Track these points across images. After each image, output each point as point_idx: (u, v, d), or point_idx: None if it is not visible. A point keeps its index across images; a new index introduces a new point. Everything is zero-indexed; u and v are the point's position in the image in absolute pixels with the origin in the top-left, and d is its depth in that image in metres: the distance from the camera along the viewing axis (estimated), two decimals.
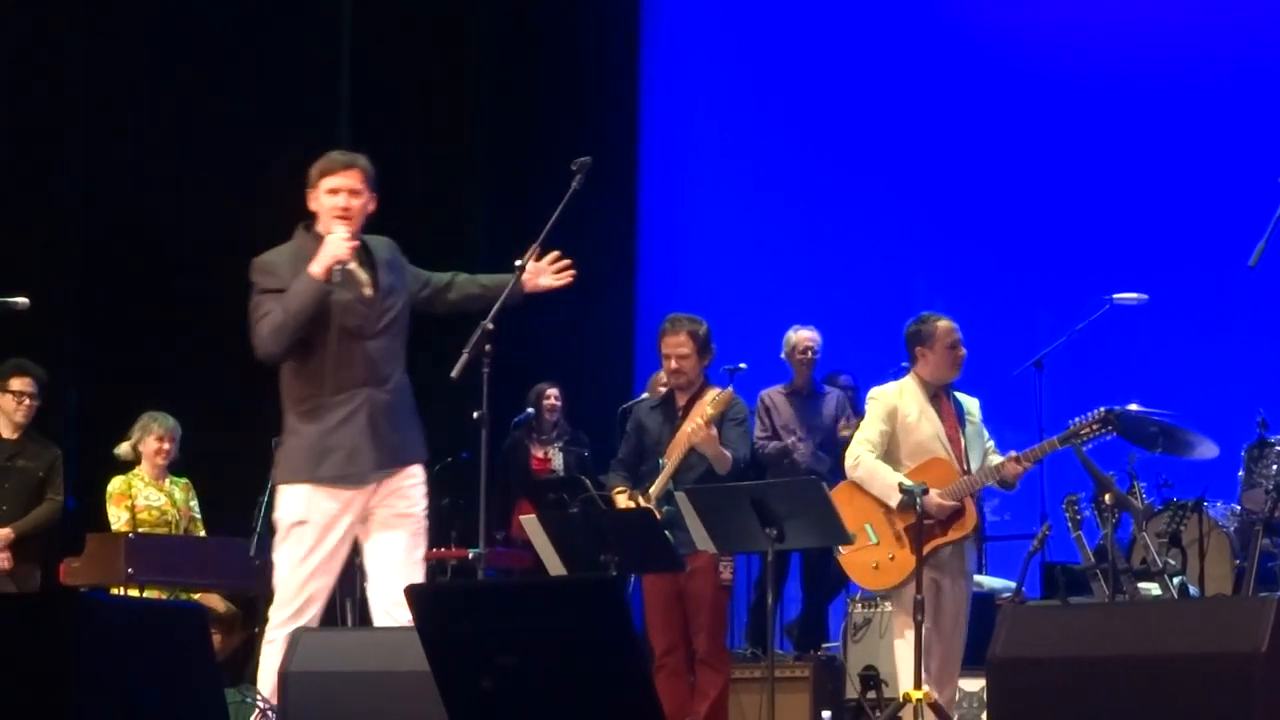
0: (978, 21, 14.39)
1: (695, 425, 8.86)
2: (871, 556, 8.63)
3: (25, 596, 9.12)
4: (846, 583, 11.68)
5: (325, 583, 7.36)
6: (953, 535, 8.56)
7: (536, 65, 14.83)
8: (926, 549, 8.45)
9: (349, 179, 7.41)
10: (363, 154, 7.56)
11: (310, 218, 7.46)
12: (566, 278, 7.69)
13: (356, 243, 7.31)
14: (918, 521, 8.38)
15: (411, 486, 7.42)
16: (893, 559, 8.56)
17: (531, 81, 14.77)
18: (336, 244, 7.23)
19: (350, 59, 13.77)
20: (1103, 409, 8.62)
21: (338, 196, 7.38)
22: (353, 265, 7.33)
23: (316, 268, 7.22)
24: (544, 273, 7.69)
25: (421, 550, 7.48)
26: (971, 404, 8.84)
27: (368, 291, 7.37)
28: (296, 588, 7.28)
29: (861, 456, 8.65)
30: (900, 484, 8.45)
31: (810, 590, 11.79)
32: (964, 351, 8.75)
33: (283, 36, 13.59)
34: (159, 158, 13.01)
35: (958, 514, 8.54)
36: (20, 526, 10.62)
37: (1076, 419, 8.63)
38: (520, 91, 14.70)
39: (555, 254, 7.65)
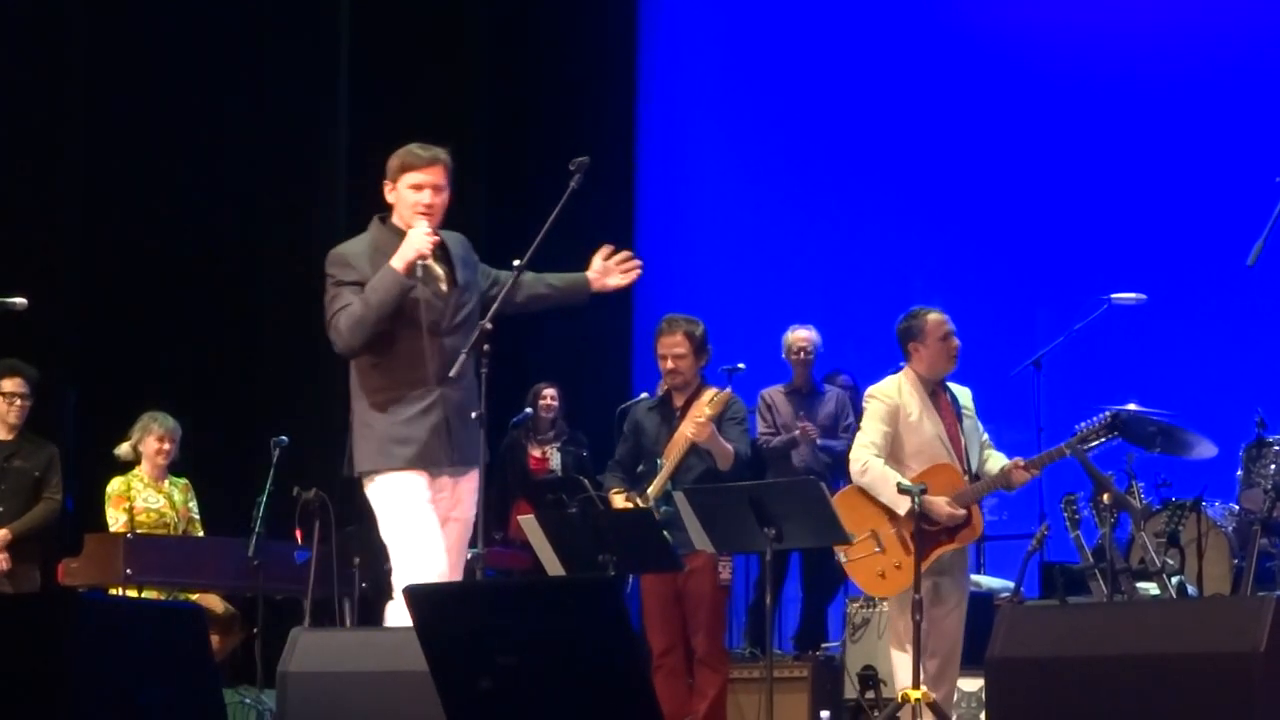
0: (975, 21, 14.39)
1: (695, 425, 8.86)
2: (878, 564, 8.52)
3: (24, 597, 9.12)
4: (844, 582, 11.70)
5: (440, 544, 7.28)
6: (959, 542, 8.53)
7: (535, 65, 14.83)
8: (932, 556, 8.42)
9: (432, 175, 7.40)
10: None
11: (385, 209, 7.45)
12: (635, 274, 7.69)
13: (439, 238, 7.31)
14: (916, 523, 8.37)
15: (469, 490, 7.44)
16: (899, 567, 8.44)
17: (530, 81, 14.76)
18: (420, 239, 7.22)
19: (349, 59, 13.77)
20: (1109, 414, 8.60)
21: (421, 192, 7.36)
22: (431, 260, 7.32)
23: (399, 262, 7.20)
24: (611, 272, 7.70)
25: (465, 553, 7.47)
26: (964, 395, 8.77)
27: (444, 287, 7.37)
28: (417, 554, 7.21)
29: (869, 462, 8.51)
30: (899, 484, 8.38)
31: (809, 590, 11.79)
32: (958, 342, 8.68)
33: (281, 37, 13.60)
34: (158, 158, 13.01)
35: (965, 521, 8.49)
36: (17, 527, 10.61)
37: (1083, 424, 8.60)
38: (518, 92, 14.70)
39: (625, 253, 7.66)
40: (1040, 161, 13.92)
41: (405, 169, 7.42)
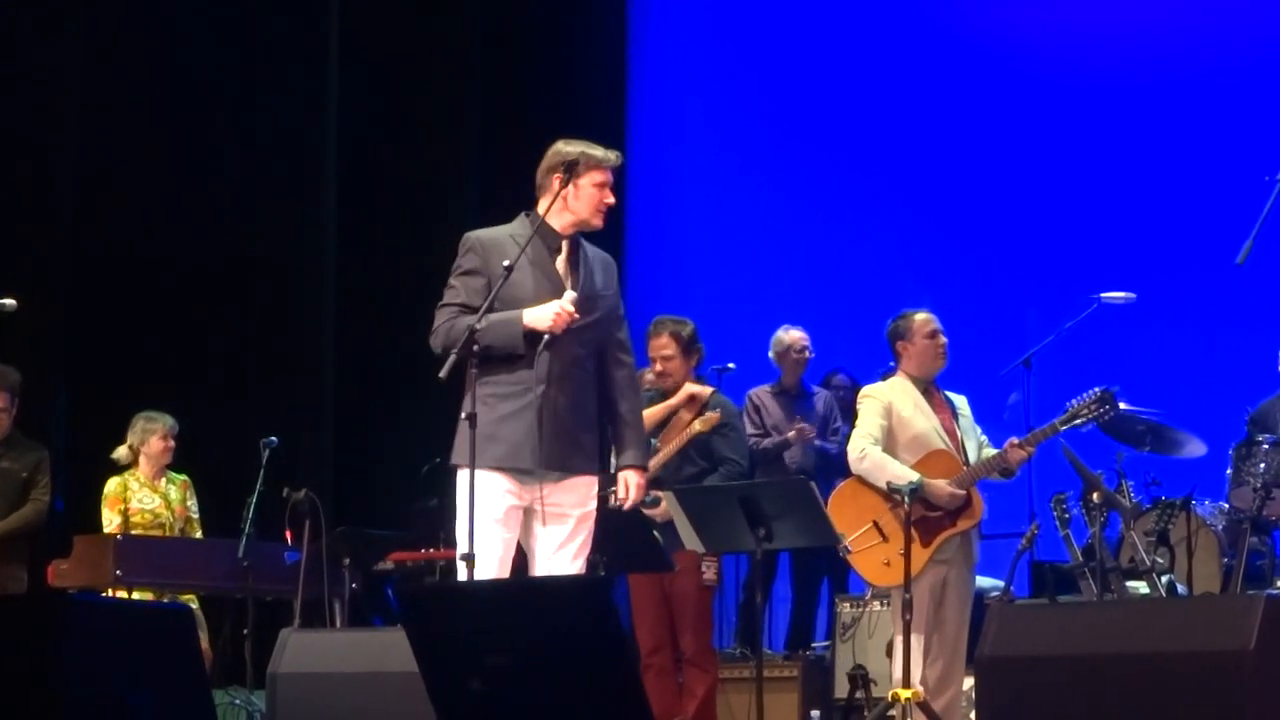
0: (964, 22, 14.39)
1: (702, 421, 8.94)
2: (882, 553, 8.55)
3: (13, 599, 9.10)
4: (824, 580, 11.72)
5: (500, 553, 7.15)
6: (961, 525, 8.55)
7: (525, 66, 14.82)
8: (937, 541, 8.49)
9: (611, 177, 7.34)
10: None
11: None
12: None
13: (575, 317, 7.11)
14: (906, 520, 8.39)
15: (575, 491, 7.26)
16: (903, 555, 8.43)
17: (520, 82, 14.75)
18: (562, 312, 7.05)
19: (339, 59, 13.75)
20: (1099, 388, 8.64)
21: (605, 192, 7.28)
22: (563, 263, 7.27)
23: (532, 322, 7.06)
24: None
25: (573, 550, 7.27)
26: (961, 401, 8.87)
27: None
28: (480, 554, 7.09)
29: (867, 449, 8.59)
30: (889, 484, 8.45)
31: (800, 590, 11.80)
32: (945, 340, 8.76)
33: (273, 35, 13.59)
34: (150, 158, 12.99)
35: (965, 504, 8.54)
36: (2, 528, 10.58)
37: (1074, 400, 8.66)
38: (508, 92, 14.69)
39: None
40: (1029, 161, 13.92)
41: (590, 167, 7.27)
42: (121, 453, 10.86)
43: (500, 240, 7.26)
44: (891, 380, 8.81)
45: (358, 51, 13.83)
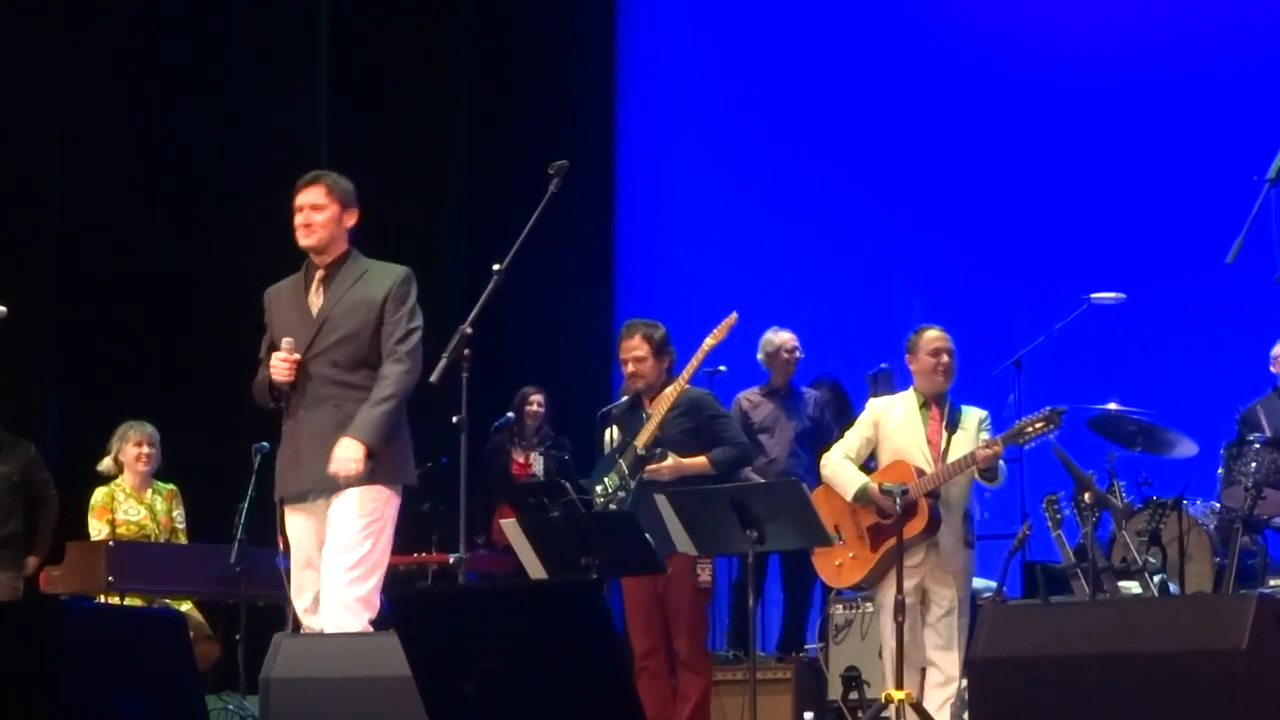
0: (954, 23, 14.40)
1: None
2: (836, 555, 8.96)
3: (6, 605, 9.10)
4: (815, 580, 11.73)
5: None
6: (907, 535, 8.66)
7: (515, 69, 14.83)
8: (884, 546, 8.73)
9: (299, 197, 7.69)
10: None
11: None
12: None
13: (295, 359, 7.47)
14: (896, 524, 8.50)
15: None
16: (854, 557, 8.89)
17: (510, 86, 14.76)
18: (277, 367, 7.51)
19: (328, 64, 13.76)
20: (1049, 407, 8.74)
21: (298, 215, 7.63)
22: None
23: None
24: None
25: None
26: (970, 415, 8.98)
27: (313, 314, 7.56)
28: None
29: (830, 456, 9.04)
30: (880, 486, 8.68)
31: (791, 592, 11.79)
32: (947, 360, 8.96)
33: (260, 42, 13.59)
34: (138, 164, 12.99)
35: (910, 514, 8.67)
36: (41, 548, 10.69)
37: (1024, 417, 8.77)
38: (498, 95, 14.69)
39: None
40: (1019, 162, 13.93)
41: None
42: (107, 464, 10.86)
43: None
44: (902, 393, 9.12)
45: (347, 54, 13.84)
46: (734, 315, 9.24)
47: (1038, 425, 8.64)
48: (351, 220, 7.62)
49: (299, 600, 7.61)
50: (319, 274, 7.61)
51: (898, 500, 8.48)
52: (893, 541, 8.63)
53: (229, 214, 13.36)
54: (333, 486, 7.37)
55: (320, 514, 7.49)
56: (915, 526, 8.70)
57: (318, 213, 7.56)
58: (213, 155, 13.34)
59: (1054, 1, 14.18)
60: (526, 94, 14.70)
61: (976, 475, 8.78)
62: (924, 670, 8.82)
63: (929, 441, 8.84)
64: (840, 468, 8.92)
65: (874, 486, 8.74)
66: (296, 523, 7.60)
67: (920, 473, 8.73)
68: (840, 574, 9.00)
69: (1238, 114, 13.20)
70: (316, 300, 7.57)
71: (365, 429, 7.30)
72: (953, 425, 8.87)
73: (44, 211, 12.84)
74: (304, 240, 7.59)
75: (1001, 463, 8.75)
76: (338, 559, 7.36)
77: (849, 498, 8.83)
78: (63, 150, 12.89)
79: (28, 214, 12.68)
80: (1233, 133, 13.03)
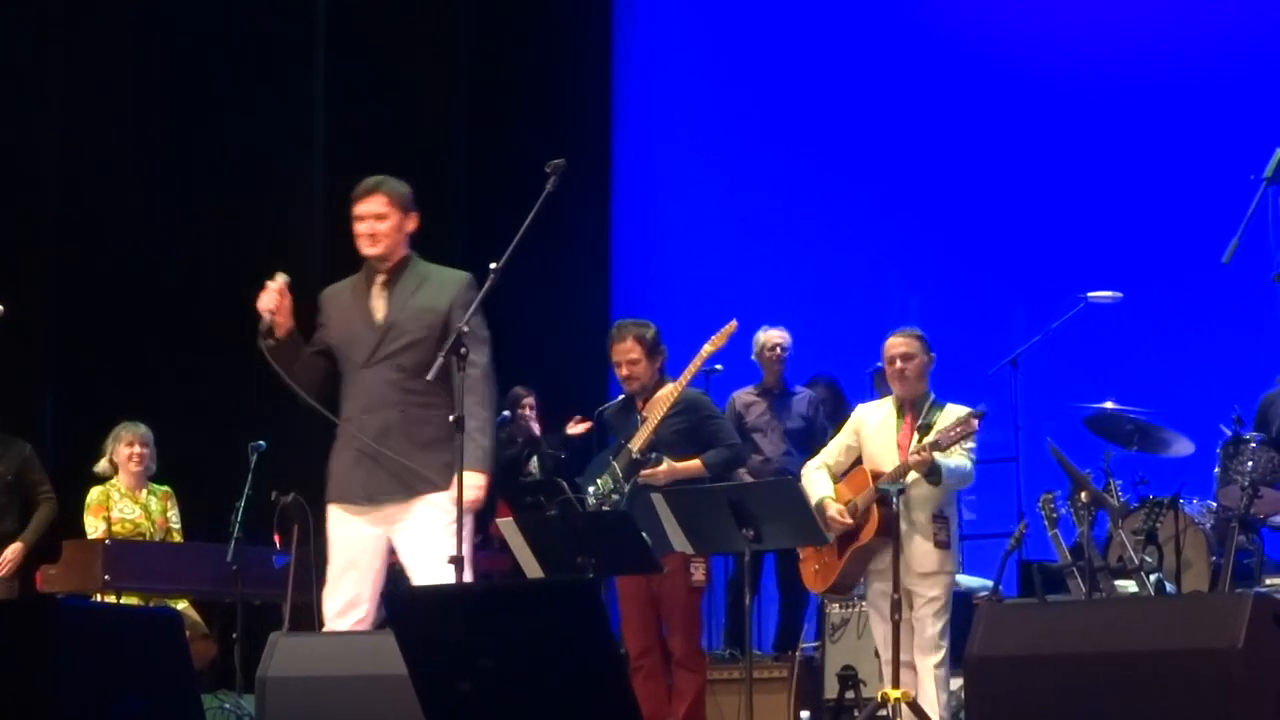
0: (951, 22, 14.40)
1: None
2: (814, 561, 9.10)
3: (2, 604, 9.10)
4: None
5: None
6: (861, 540, 8.82)
7: (512, 68, 14.82)
8: (849, 551, 8.86)
9: (357, 206, 7.71)
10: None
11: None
12: None
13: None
14: (895, 523, 8.55)
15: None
16: (827, 563, 9.01)
17: (506, 85, 14.76)
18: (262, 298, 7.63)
19: (325, 61, 13.75)
20: (967, 410, 8.77)
21: (357, 224, 7.67)
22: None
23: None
24: None
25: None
26: (949, 414, 8.89)
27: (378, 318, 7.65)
28: None
29: (807, 466, 9.17)
30: (879, 486, 8.74)
31: (787, 591, 11.79)
32: (901, 365, 8.92)
33: (257, 39, 13.58)
34: (136, 163, 12.98)
35: (865, 519, 8.81)
36: (29, 537, 10.64)
37: (943, 427, 8.76)
38: (495, 94, 14.69)
39: None
40: (1016, 161, 13.93)
41: None
42: (103, 465, 10.85)
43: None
44: (886, 398, 9.13)
45: (344, 55, 13.83)
46: (734, 323, 9.24)
47: (955, 431, 8.64)
48: (412, 225, 7.67)
49: (330, 603, 7.57)
50: (380, 279, 7.65)
51: (895, 497, 8.57)
52: (855, 546, 8.81)
53: (227, 214, 13.36)
54: (407, 492, 7.46)
55: (384, 519, 7.53)
56: (868, 533, 8.79)
57: (381, 222, 7.60)
58: (211, 155, 13.33)
59: (1051, 1, 14.19)
60: (524, 94, 14.70)
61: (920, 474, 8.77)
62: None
63: (899, 446, 8.84)
64: (810, 479, 8.99)
65: (827, 502, 8.80)
66: (351, 525, 7.58)
67: (876, 477, 8.80)
68: (816, 578, 9.13)
69: (1234, 113, 13.20)
70: (380, 305, 7.62)
71: (484, 460, 7.41)
72: (925, 428, 8.86)
73: (42, 211, 12.84)
74: (368, 250, 7.63)
75: (952, 462, 8.69)
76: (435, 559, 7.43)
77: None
78: (61, 150, 12.88)
79: (26, 214, 12.67)
80: (1229, 132, 13.03)
